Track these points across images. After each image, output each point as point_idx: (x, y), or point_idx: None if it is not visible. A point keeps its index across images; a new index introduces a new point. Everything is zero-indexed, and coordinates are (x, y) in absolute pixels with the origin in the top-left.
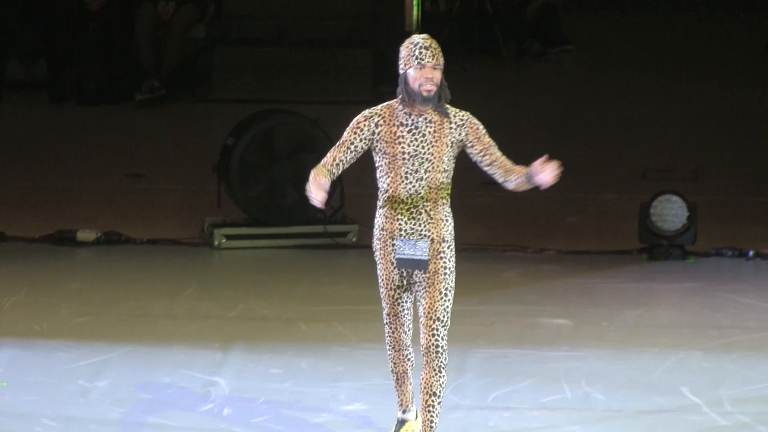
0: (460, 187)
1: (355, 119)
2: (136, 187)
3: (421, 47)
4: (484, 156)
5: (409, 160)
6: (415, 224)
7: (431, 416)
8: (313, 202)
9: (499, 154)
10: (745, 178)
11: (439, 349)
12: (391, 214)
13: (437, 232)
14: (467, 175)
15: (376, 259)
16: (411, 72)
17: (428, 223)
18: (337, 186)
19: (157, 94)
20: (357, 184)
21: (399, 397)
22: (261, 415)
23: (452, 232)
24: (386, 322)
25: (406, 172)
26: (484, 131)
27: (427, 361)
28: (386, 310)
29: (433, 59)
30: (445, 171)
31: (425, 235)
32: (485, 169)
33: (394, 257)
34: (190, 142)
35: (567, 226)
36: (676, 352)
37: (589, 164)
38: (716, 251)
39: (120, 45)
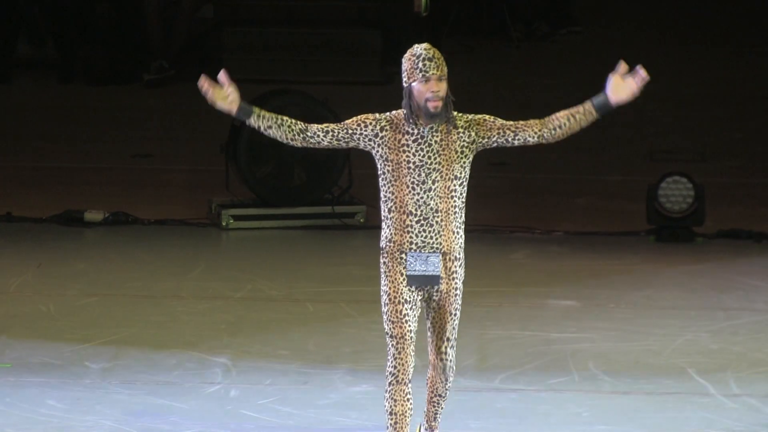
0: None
1: (362, 115)
2: (144, 167)
3: (424, 59)
4: (505, 135)
5: (414, 170)
6: (426, 237)
7: (436, 409)
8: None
9: (520, 122)
10: (753, 160)
11: (447, 367)
12: (399, 225)
13: (448, 245)
14: (475, 157)
15: (382, 273)
16: (416, 85)
17: (440, 235)
18: (345, 166)
19: (165, 74)
20: (365, 165)
21: None
22: (268, 396)
23: (463, 246)
24: (390, 345)
25: (412, 182)
26: (492, 118)
27: (433, 368)
28: (391, 331)
29: (438, 70)
30: (456, 178)
31: (436, 249)
32: (518, 143)
33: (404, 272)
34: (198, 122)
35: (575, 208)
36: (684, 334)
37: (597, 145)
38: (725, 232)
39: (129, 25)
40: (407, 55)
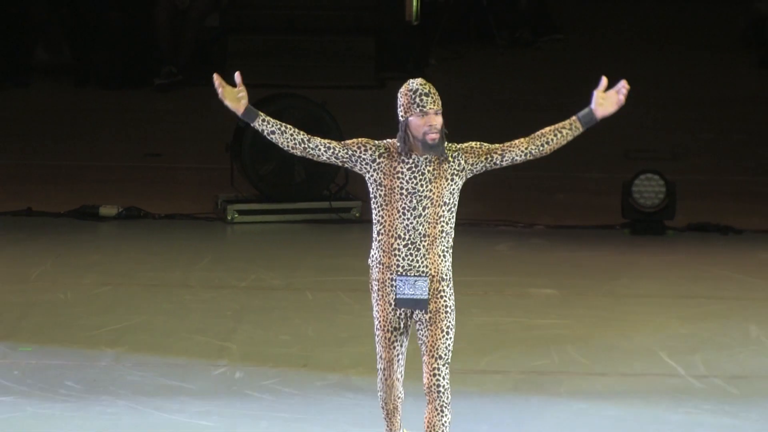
0: None
1: (362, 138)
2: (155, 165)
3: (421, 94)
4: (493, 159)
5: (406, 196)
6: (412, 260)
7: None
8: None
9: (505, 144)
10: (721, 158)
11: (441, 388)
12: (387, 248)
13: (435, 268)
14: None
15: (373, 300)
16: (413, 119)
17: (425, 258)
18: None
19: (174, 78)
20: None
21: (388, 426)
22: (270, 378)
23: (450, 268)
24: (379, 367)
25: (404, 208)
26: (479, 144)
27: (429, 401)
28: (381, 354)
29: (435, 105)
30: (446, 204)
31: (423, 272)
32: (506, 164)
33: (393, 297)
34: (205, 123)
35: (555, 203)
36: (656, 320)
37: (576, 145)
38: (694, 226)
39: (140, 33)
40: (403, 90)
